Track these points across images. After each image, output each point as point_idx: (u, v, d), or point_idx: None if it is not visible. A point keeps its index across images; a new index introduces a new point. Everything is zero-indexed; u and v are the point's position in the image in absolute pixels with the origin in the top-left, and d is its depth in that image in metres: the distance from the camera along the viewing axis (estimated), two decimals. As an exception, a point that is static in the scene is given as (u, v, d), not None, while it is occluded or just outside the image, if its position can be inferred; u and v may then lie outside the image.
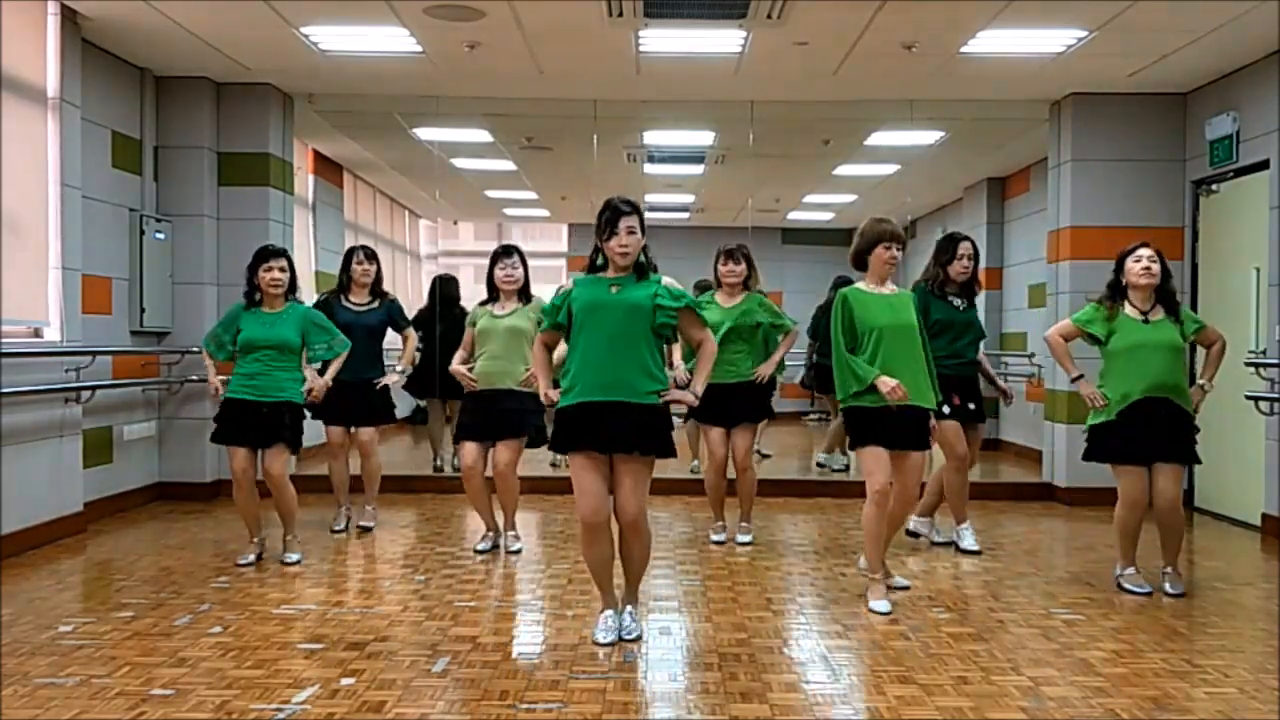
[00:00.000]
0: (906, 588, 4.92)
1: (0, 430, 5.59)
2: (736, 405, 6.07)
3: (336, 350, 5.76)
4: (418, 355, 8.51)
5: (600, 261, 4.19)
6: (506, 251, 5.84)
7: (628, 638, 4.23)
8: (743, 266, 6.12)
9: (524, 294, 5.85)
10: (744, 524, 6.32)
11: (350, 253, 6.55)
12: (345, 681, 3.72)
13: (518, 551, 5.92)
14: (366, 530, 6.50)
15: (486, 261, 5.94)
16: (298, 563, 5.60)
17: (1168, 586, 5.08)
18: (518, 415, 5.72)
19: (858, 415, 4.80)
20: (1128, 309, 5.07)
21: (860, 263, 4.96)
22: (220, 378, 5.65)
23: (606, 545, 4.19)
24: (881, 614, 4.68)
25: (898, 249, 4.86)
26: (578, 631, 4.37)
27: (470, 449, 5.78)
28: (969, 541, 6.04)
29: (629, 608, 4.34)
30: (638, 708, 3.54)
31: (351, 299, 6.46)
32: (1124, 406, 4.97)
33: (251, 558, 5.63)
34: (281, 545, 5.73)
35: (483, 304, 5.88)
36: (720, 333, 5.87)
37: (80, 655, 4.00)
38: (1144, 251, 5.05)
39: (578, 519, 4.18)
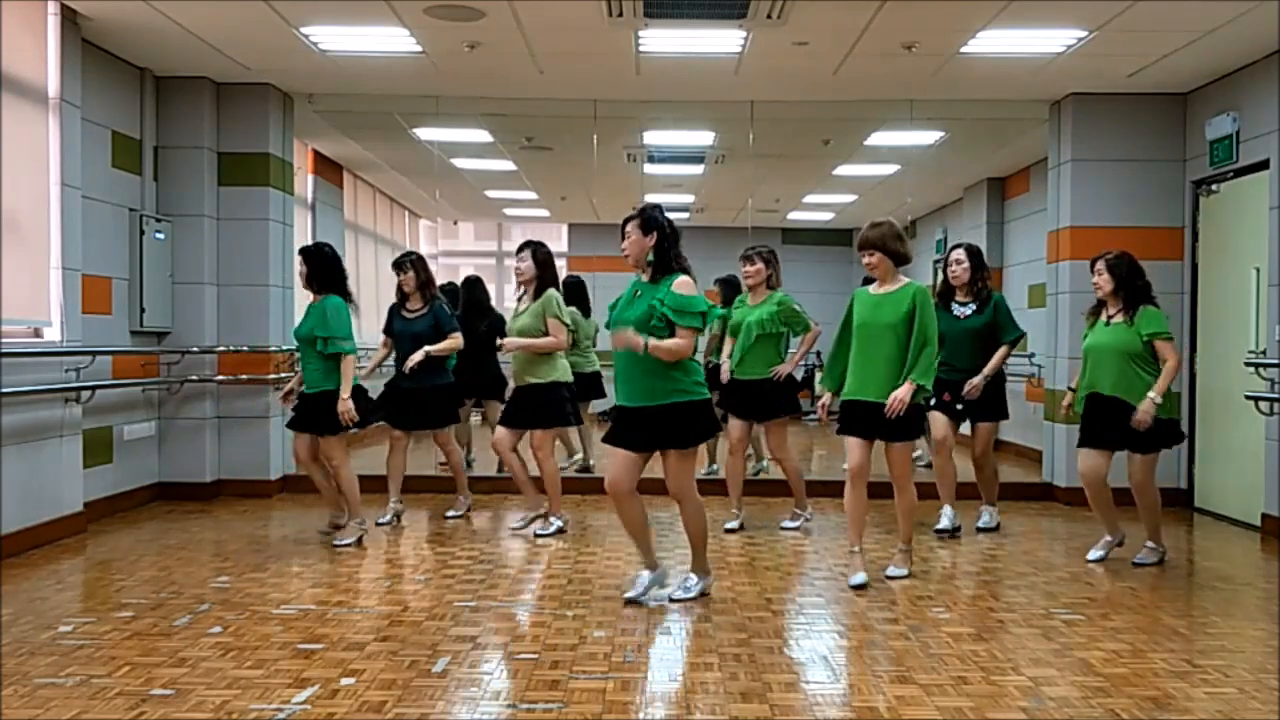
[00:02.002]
0: (905, 576, 5.26)
1: (0, 430, 5.60)
2: (763, 400, 6.40)
3: (327, 350, 5.92)
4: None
5: None
6: (519, 247, 6.44)
7: (683, 596, 4.80)
8: (758, 266, 6.53)
9: (541, 287, 6.25)
10: (797, 511, 6.74)
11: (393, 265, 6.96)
12: (345, 681, 3.72)
13: (559, 531, 6.43)
14: (457, 517, 6.99)
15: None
16: (350, 545, 6.05)
17: (1138, 557, 5.73)
18: (544, 407, 6.29)
19: (842, 407, 5.33)
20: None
21: None
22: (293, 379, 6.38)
23: (633, 510, 4.71)
24: (856, 586, 5.10)
25: (867, 255, 5.16)
26: (578, 631, 4.38)
27: (501, 433, 6.47)
28: (944, 522, 6.48)
29: (692, 575, 4.91)
30: (638, 708, 3.54)
31: (408, 306, 6.77)
32: (1083, 397, 5.71)
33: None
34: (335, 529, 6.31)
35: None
36: (752, 332, 6.35)
37: (80, 655, 4.00)
38: (1099, 265, 5.67)
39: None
